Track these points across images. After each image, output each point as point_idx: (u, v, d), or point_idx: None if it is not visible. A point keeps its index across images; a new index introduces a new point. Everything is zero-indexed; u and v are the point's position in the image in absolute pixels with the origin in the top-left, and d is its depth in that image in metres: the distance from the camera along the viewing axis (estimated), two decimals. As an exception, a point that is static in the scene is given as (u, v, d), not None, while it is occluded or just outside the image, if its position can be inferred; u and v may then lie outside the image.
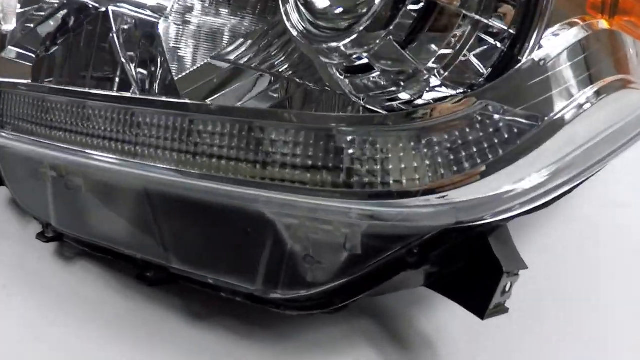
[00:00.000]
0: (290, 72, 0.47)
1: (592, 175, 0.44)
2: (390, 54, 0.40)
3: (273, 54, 0.48)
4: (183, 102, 0.46)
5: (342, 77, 0.42)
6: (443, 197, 0.38)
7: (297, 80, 0.46)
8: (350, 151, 0.40)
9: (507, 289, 0.43)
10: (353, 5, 0.40)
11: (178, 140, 0.46)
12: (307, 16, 0.43)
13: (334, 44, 0.41)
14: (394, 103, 0.42)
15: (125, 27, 0.52)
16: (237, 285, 0.48)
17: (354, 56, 0.41)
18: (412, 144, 0.39)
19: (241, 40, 0.48)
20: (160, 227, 0.50)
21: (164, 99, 0.46)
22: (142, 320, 0.55)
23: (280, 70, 0.47)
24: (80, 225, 0.57)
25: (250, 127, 0.43)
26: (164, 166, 0.46)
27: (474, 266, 0.44)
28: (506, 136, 0.38)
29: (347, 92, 0.42)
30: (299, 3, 0.43)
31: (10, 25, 0.57)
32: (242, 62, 0.47)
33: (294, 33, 0.42)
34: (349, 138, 0.40)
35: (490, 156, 0.39)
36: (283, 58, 0.47)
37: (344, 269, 0.45)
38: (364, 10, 0.39)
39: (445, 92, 0.40)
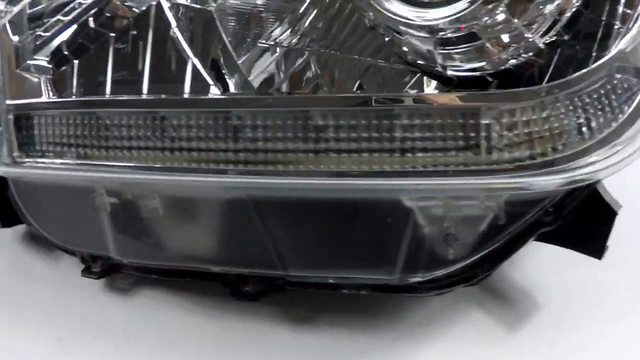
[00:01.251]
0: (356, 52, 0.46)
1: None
2: (502, 24, 0.42)
3: (334, 34, 0.46)
4: (301, 97, 0.42)
5: (438, 51, 0.43)
6: (589, 161, 0.41)
7: (364, 59, 0.45)
8: (497, 127, 0.41)
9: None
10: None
11: (302, 139, 0.43)
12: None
13: (434, 17, 0.42)
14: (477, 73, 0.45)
15: (183, 19, 0.46)
16: (368, 278, 0.47)
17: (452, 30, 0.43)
18: (560, 111, 0.41)
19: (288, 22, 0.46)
20: (273, 235, 0.46)
21: (276, 95, 0.42)
22: (245, 337, 0.51)
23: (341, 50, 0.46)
24: (151, 250, 0.50)
25: (389, 114, 0.42)
26: (284, 169, 0.43)
27: (588, 214, 0.48)
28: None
29: (439, 65, 0.43)
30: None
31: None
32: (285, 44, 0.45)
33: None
34: (494, 114, 0.40)
35: (620, 116, 0.42)
36: (349, 38, 0.46)
37: (486, 241, 0.46)
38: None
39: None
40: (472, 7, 0.41)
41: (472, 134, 0.41)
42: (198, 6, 0.46)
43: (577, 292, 0.52)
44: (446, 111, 0.41)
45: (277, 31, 0.46)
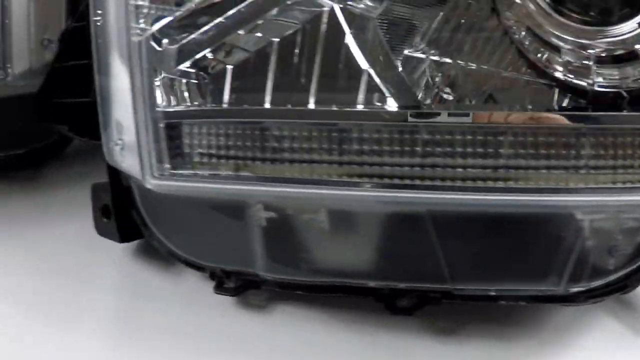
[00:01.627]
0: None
1: None
2: None
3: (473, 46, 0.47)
4: (487, 114, 0.43)
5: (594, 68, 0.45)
6: None
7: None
8: None
9: None
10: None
11: (482, 155, 0.43)
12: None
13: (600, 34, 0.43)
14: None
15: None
16: (532, 290, 0.48)
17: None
18: None
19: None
20: (448, 249, 0.46)
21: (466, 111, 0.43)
22: (393, 350, 0.50)
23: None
24: (306, 266, 0.49)
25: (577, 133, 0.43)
26: (464, 185, 0.43)
27: None
28: None
29: (589, 81, 0.45)
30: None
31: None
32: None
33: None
34: None
35: None
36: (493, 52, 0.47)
37: (640, 251, 0.48)
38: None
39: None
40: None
41: None
42: (367, 14, 0.46)
43: None
44: (629, 131, 0.43)
45: (417, 40, 0.47)
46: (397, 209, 0.46)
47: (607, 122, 0.43)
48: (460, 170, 0.44)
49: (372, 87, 0.45)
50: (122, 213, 0.55)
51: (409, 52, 0.47)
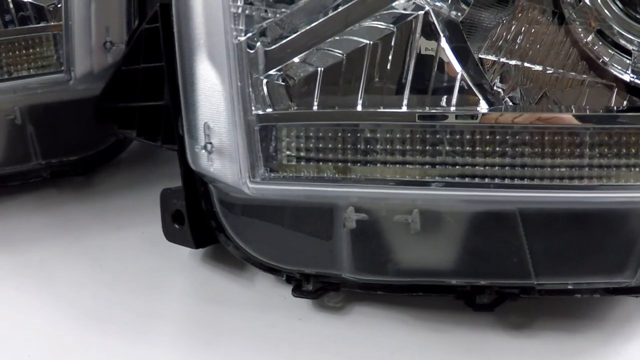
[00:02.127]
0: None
1: None
2: None
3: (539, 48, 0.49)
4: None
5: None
6: None
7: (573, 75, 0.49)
8: None
9: None
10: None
11: (568, 155, 0.45)
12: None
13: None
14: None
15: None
16: (607, 282, 0.50)
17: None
18: None
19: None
20: (534, 246, 0.48)
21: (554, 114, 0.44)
22: (470, 345, 0.52)
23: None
24: (390, 267, 0.50)
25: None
26: (552, 183, 0.45)
27: None
28: None
29: None
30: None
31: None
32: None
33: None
34: None
35: None
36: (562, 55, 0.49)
37: None
38: None
39: None
40: None
41: None
42: (456, 19, 0.47)
43: None
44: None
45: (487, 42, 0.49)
46: (483, 208, 0.47)
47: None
48: (548, 169, 0.46)
49: (464, 90, 0.47)
50: (196, 219, 0.55)
51: (482, 55, 0.49)
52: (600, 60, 0.49)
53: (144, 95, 0.56)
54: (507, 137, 0.46)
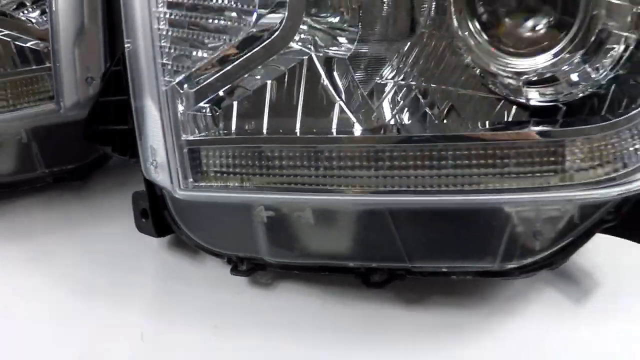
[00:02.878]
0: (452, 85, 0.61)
1: None
2: (576, 70, 0.57)
3: (434, 70, 0.61)
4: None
5: (524, 89, 0.58)
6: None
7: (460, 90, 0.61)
8: (578, 155, 0.56)
9: None
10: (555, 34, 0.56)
11: (428, 167, 0.58)
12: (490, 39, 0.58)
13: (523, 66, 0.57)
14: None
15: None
16: (474, 267, 0.62)
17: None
18: (622, 139, 0.56)
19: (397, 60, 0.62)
20: (404, 237, 0.61)
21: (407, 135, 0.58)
22: (370, 318, 0.66)
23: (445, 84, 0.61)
24: (299, 251, 0.65)
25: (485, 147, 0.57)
26: (416, 189, 0.58)
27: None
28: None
29: (524, 98, 0.58)
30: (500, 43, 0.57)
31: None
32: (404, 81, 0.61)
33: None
34: (577, 146, 0.56)
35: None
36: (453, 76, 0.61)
37: (563, 235, 0.61)
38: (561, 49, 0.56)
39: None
40: (555, 59, 0.57)
41: (559, 162, 0.57)
42: (337, 55, 0.61)
43: (630, 273, 0.68)
44: (543, 144, 0.56)
45: (387, 71, 0.61)
46: (361, 208, 0.61)
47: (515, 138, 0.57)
48: (412, 178, 0.58)
49: (342, 116, 0.60)
50: (157, 215, 0.71)
51: (378, 80, 0.62)
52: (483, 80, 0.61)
53: (116, 121, 0.72)
54: (377, 153, 0.60)
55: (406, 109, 0.62)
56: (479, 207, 0.59)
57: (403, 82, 0.62)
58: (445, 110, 0.61)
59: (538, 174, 0.57)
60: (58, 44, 0.73)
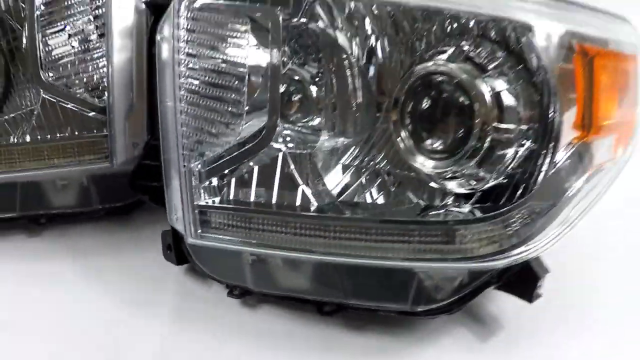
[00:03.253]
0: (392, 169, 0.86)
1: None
2: (471, 172, 0.81)
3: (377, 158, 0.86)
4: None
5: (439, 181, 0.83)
6: (517, 251, 0.79)
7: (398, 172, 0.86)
8: (472, 239, 0.79)
9: (540, 285, 0.86)
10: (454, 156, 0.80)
11: (357, 239, 0.83)
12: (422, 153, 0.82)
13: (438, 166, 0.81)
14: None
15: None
16: (393, 307, 0.87)
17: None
18: (508, 223, 0.79)
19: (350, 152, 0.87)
20: (343, 282, 0.87)
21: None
22: (321, 336, 0.92)
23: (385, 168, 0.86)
24: (274, 285, 0.92)
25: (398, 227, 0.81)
26: (351, 252, 0.83)
27: (523, 276, 0.87)
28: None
29: (440, 186, 0.83)
30: (420, 148, 0.82)
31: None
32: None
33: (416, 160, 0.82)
34: (472, 234, 0.79)
35: (536, 224, 0.80)
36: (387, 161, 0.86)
37: (458, 290, 0.86)
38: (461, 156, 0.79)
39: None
40: (454, 166, 0.81)
41: (454, 242, 0.80)
42: (304, 152, 0.87)
43: (529, 319, 0.92)
44: (443, 229, 0.80)
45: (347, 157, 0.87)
46: (318, 261, 0.87)
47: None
48: (354, 242, 0.82)
49: (304, 196, 0.86)
50: (178, 249, 0.98)
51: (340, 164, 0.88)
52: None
53: (153, 178, 0.99)
54: (325, 226, 0.83)
55: (357, 190, 0.88)
56: (397, 266, 0.84)
57: (362, 165, 0.88)
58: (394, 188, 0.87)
59: (438, 249, 0.81)
60: (113, 117, 1.01)
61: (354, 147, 0.90)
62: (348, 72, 0.88)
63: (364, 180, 0.90)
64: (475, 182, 0.83)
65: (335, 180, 0.90)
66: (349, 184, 0.91)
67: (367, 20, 0.86)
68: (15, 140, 1.05)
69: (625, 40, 0.92)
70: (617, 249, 1.12)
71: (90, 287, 1.02)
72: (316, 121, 0.90)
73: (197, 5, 0.85)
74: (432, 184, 0.85)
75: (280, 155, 0.88)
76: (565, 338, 0.92)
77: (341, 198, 0.89)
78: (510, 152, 0.80)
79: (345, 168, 0.91)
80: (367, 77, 0.88)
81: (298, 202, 0.87)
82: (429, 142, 0.82)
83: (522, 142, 0.80)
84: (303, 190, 0.87)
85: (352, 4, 0.85)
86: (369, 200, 0.90)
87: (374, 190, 0.90)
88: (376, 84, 0.87)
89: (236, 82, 0.85)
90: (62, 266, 1.06)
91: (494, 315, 0.95)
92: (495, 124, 0.78)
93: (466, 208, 0.84)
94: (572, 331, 0.93)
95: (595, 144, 0.85)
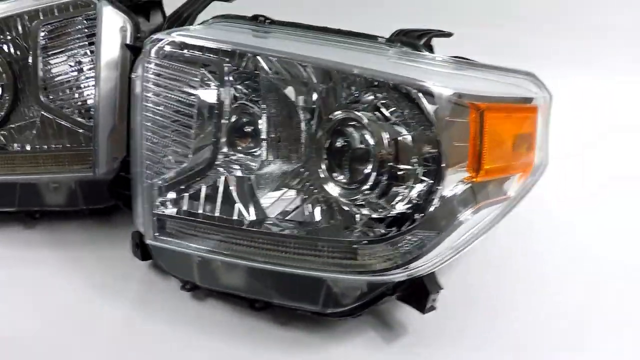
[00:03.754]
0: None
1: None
2: (373, 201, 1.00)
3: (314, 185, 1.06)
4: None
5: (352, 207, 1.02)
6: (406, 269, 0.99)
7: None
8: (372, 258, 0.98)
9: (434, 299, 1.04)
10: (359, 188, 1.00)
11: (284, 251, 1.03)
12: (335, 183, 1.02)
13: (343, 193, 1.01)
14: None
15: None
16: (308, 307, 1.06)
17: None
18: (400, 246, 0.98)
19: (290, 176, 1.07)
20: (268, 284, 1.07)
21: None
22: (252, 328, 1.11)
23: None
24: (215, 282, 1.12)
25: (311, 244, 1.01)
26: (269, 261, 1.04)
27: (416, 290, 1.05)
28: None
29: (354, 211, 1.02)
30: (333, 179, 1.01)
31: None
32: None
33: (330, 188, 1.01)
34: (373, 255, 0.98)
35: (423, 249, 0.99)
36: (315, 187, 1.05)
37: (360, 298, 1.04)
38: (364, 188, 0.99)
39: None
40: (359, 195, 1.00)
41: (356, 258, 1.00)
42: (244, 176, 1.07)
43: (429, 325, 1.11)
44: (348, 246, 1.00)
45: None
46: (245, 264, 1.07)
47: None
48: (274, 256, 1.04)
49: (240, 212, 1.06)
50: (143, 246, 1.19)
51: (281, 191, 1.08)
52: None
53: (127, 188, 1.20)
54: (255, 238, 1.05)
55: (292, 209, 1.08)
56: (311, 275, 1.04)
57: (297, 188, 1.07)
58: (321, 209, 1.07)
59: (343, 264, 1.01)
60: (98, 135, 1.23)
61: (292, 172, 1.10)
62: (292, 112, 1.09)
63: (298, 202, 1.10)
64: (381, 210, 1.02)
65: (273, 198, 1.11)
66: (286, 203, 1.11)
67: (307, 73, 1.06)
68: (18, 148, 1.30)
69: (526, 93, 1.11)
70: (525, 265, 1.32)
71: (69, 272, 1.24)
72: (261, 150, 1.10)
73: (164, 52, 1.07)
74: (347, 209, 1.05)
75: (223, 178, 1.09)
76: (464, 340, 1.11)
77: (277, 213, 1.09)
78: (407, 187, 0.99)
79: (280, 191, 1.11)
80: (307, 117, 1.08)
81: (235, 217, 1.08)
82: (337, 174, 1.01)
83: (421, 179, 0.99)
84: (239, 208, 1.08)
85: (295, 63, 1.04)
86: (300, 218, 1.09)
87: (305, 210, 1.10)
88: (315, 124, 1.07)
89: (190, 117, 1.06)
90: (49, 253, 1.28)
91: (400, 321, 1.14)
92: (391, 164, 0.98)
93: (377, 230, 1.03)
94: (473, 336, 1.12)
95: (484, 182, 1.04)
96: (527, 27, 2.12)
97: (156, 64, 1.07)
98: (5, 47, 1.30)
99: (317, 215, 1.08)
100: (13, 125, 1.31)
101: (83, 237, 1.34)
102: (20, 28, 1.28)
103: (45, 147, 1.27)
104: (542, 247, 1.38)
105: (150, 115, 1.08)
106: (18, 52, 1.30)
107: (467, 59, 1.10)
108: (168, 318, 1.14)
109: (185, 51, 1.07)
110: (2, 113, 1.30)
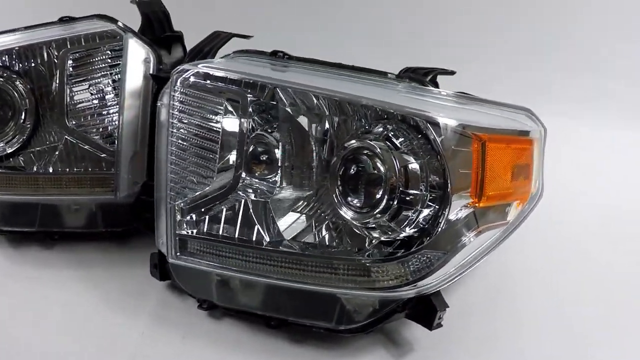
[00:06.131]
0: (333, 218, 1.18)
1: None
2: (384, 224, 1.12)
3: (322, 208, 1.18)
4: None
5: (364, 229, 1.14)
6: (415, 286, 1.11)
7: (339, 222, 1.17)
8: (384, 276, 1.11)
9: (441, 317, 1.16)
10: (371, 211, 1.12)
11: (302, 270, 1.15)
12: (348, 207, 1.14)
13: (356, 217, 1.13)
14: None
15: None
16: (322, 324, 1.18)
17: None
18: (408, 266, 1.10)
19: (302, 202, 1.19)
20: (284, 302, 1.18)
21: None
22: (267, 345, 1.23)
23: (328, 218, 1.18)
24: (233, 301, 1.23)
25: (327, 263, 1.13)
26: (293, 278, 1.15)
27: (424, 307, 1.17)
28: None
29: (365, 234, 1.14)
30: (347, 203, 1.13)
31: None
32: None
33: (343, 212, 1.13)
34: (386, 274, 1.10)
35: (431, 267, 1.11)
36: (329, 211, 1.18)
37: (371, 315, 1.16)
38: (376, 211, 1.11)
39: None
40: (371, 219, 1.12)
41: (369, 275, 1.12)
42: (262, 200, 1.19)
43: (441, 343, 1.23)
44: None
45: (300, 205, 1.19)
46: (266, 283, 1.18)
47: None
48: (291, 274, 1.16)
49: (259, 233, 1.18)
50: (162, 267, 1.31)
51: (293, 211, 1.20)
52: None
53: (148, 210, 1.32)
54: (274, 258, 1.17)
55: (306, 231, 1.20)
56: (326, 292, 1.15)
57: (310, 213, 1.19)
58: (335, 233, 1.19)
59: (357, 280, 1.13)
60: (120, 160, 1.35)
61: (304, 198, 1.23)
62: (305, 142, 1.21)
63: (312, 225, 1.22)
64: (390, 233, 1.14)
65: (287, 222, 1.22)
66: (298, 227, 1.22)
67: (320, 104, 1.19)
68: (38, 170, 1.41)
69: (523, 127, 1.25)
70: (530, 285, 1.45)
71: (87, 291, 1.36)
72: (277, 177, 1.23)
73: (189, 82, 1.20)
74: (359, 232, 1.17)
75: (243, 201, 1.21)
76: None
77: (290, 237, 1.21)
78: (415, 210, 1.11)
79: (296, 214, 1.22)
80: (319, 146, 1.21)
81: (254, 238, 1.19)
82: (351, 198, 1.14)
83: (428, 204, 1.12)
84: (258, 229, 1.20)
85: (310, 94, 1.17)
86: (313, 240, 1.21)
87: (319, 233, 1.22)
88: (326, 152, 1.20)
89: (213, 144, 1.19)
90: (67, 274, 1.40)
91: (408, 340, 1.26)
92: (402, 189, 1.10)
93: (386, 252, 1.15)
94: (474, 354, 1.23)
95: (486, 208, 1.16)
96: (524, 62, 2.28)
97: (181, 93, 1.20)
98: (28, 74, 1.43)
99: (327, 240, 1.20)
100: (33, 150, 1.44)
101: (101, 259, 1.46)
102: (45, 55, 1.42)
103: (68, 169, 1.39)
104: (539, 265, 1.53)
105: (175, 141, 1.21)
106: (40, 79, 1.43)
107: (469, 94, 1.25)
108: (186, 335, 1.26)
109: (207, 82, 1.20)
110: (24, 137, 1.43)
